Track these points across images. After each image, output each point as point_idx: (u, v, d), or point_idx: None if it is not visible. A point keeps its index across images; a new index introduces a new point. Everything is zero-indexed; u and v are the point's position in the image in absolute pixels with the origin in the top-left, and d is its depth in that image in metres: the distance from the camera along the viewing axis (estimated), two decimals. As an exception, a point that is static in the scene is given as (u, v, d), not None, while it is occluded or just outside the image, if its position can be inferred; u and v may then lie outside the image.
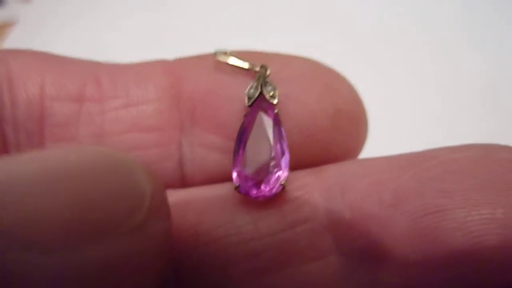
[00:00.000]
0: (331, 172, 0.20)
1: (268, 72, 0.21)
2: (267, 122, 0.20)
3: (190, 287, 0.19)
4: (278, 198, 0.20)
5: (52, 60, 0.21)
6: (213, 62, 0.22)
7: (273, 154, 0.20)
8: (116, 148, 0.19)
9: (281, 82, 0.21)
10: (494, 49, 0.48)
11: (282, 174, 0.20)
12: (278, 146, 0.20)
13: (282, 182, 0.19)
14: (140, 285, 0.14)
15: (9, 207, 0.12)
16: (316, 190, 0.20)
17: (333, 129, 0.21)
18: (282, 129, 0.20)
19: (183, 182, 0.21)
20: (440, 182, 0.18)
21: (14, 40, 0.54)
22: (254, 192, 0.19)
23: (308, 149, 0.21)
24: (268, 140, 0.20)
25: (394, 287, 0.18)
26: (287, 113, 0.20)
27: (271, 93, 0.20)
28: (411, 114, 0.43)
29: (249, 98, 0.20)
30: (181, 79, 0.21)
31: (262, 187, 0.19)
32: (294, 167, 0.21)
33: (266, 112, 0.20)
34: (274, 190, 0.19)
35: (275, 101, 0.20)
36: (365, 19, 0.53)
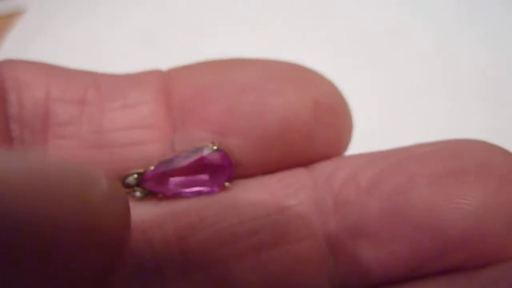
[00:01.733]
0: (318, 166, 0.23)
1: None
2: None
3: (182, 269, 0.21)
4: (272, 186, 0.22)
5: (57, 68, 0.23)
6: (199, 69, 0.24)
7: None
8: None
9: (260, 81, 0.22)
10: (500, 43, 0.48)
11: None
12: None
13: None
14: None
15: None
16: (306, 179, 0.22)
17: (313, 121, 0.22)
18: None
19: None
20: (410, 170, 0.20)
21: (22, 30, 0.55)
22: None
23: (290, 142, 0.22)
24: None
25: (371, 262, 0.20)
26: (266, 106, 0.22)
27: None
28: (414, 109, 0.44)
29: None
30: (172, 84, 0.23)
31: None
32: (279, 160, 0.23)
33: None
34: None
35: None
36: (366, 13, 0.52)
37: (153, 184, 0.22)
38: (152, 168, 0.22)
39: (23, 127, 0.22)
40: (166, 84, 0.23)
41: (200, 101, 0.23)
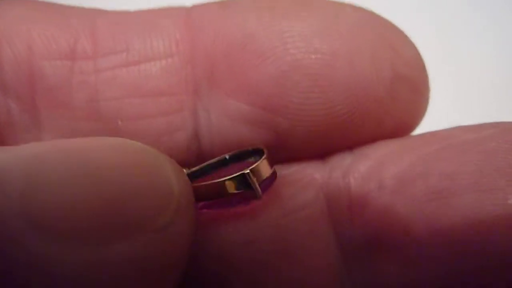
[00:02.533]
0: (334, 156, 0.18)
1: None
2: None
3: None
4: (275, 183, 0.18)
5: (42, 11, 0.18)
6: (240, 10, 0.17)
7: None
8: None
9: (327, 37, 0.17)
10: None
11: None
12: None
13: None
14: (161, 284, 0.14)
15: (40, 196, 0.12)
16: (318, 172, 0.18)
17: (390, 99, 0.17)
18: None
19: (200, 157, 0.18)
20: (447, 165, 0.16)
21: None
22: None
23: (357, 123, 0.17)
24: None
25: (394, 279, 0.16)
26: (332, 76, 0.16)
27: None
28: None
29: None
30: (197, 30, 0.17)
31: None
32: (337, 146, 0.18)
33: None
34: None
35: None
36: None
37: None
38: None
39: (6, 93, 0.17)
40: (188, 30, 0.17)
41: (239, 57, 0.17)
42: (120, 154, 0.14)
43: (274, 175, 0.17)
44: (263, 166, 0.17)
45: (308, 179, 0.18)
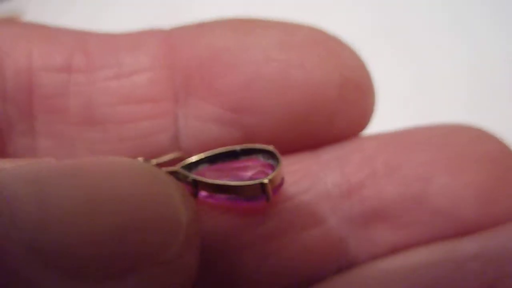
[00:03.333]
0: (327, 150, 0.21)
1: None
2: None
3: None
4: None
5: (39, 30, 0.20)
6: (208, 30, 0.20)
7: None
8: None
9: (283, 49, 0.20)
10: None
11: None
12: None
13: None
14: None
15: (52, 230, 0.12)
16: (315, 164, 0.20)
17: (340, 99, 0.20)
18: None
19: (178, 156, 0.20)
20: (425, 154, 0.20)
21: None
22: None
23: (312, 121, 0.20)
24: None
25: (387, 246, 0.20)
26: (289, 81, 0.19)
27: None
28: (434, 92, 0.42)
29: None
30: (176, 47, 0.20)
31: None
32: (297, 140, 0.20)
33: None
34: None
35: None
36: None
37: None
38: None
39: (6, 101, 0.19)
40: (168, 47, 0.20)
41: (212, 68, 0.20)
42: (131, 182, 0.14)
43: (283, 180, 0.19)
44: (278, 175, 0.19)
45: (307, 169, 0.20)
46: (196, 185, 0.19)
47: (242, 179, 0.19)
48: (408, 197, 0.19)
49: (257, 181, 0.18)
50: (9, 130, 0.19)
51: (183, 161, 0.19)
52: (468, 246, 0.18)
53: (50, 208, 0.12)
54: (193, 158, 0.19)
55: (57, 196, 0.13)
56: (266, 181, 0.18)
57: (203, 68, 0.20)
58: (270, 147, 0.19)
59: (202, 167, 0.19)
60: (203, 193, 0.19)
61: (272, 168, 0.19)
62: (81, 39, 0.20)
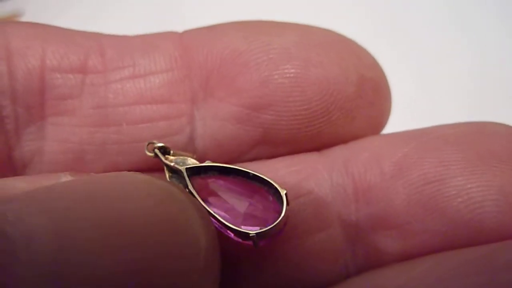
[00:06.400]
0: (333, 149, 0.20)
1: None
2: None
3: None
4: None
5: (54, 31, 0.20)
6: (224, 32, 0.20)
7: None
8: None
9: (301, 50, 0.19)
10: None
11: None
12: None
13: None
14: None
15: (68, 262, 0.11)
16: (320, 163, 0.20)
17: (358, 97, 0.20)
18: None
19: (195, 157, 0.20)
20: (439, 153, 0.18)
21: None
22: None
23: (331, 118, 0.20)
24: None
25: (394, 255, 0.19)
26: (308, 78, 0.19)
27: None
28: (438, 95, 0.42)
29: None
30: (192, 49, 0.20)
31: None
32: (315, 139, 0.20)
33: None
34: None
35: None
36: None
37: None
38: None
39: (16, 102, 0.19)
40: (184, 49, 0.20)
41: (229, 69, 0.20)
42: (149, 206, 0.13)
43: (284, 227, 0.18)
44: (273, 229, 0.17)
45: (311, 168, 0.20)
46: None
47: (237, 213, 0.18)
48: (419, 202, 0.18)
49: (244, 230, 0.17)
50: (17, 133, 0.19)
51: (191, 163, 0.19)
52: (499, 255, 0.16)
53: (67, 239, 0.12)
54: (205, 163, 0.19)
55: (74, 225, 0.12)
56: (252, 234, 0.17)
57: (221, 67, 0.20)
58: (283, 191, 0.18)
59: (210, 174, 0.19)
60: None
61: (276, 211, 0.18)
62: (96, 40, 0.20)
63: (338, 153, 0.20)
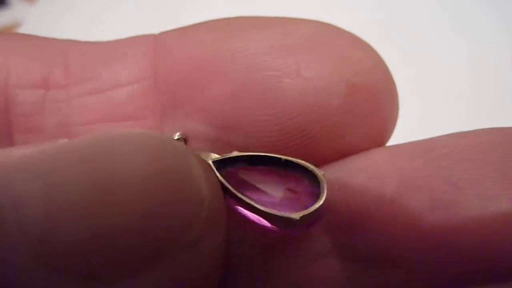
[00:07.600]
0: (328, 167, 0.17)
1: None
2: None
3: None
4: None
5: (18, 44, 0.19)
6: (195, 35, 0.18)
7: None
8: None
9: (276, 57, 0.17)
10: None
11: None
12: None
13: None
14: None
15: (60, 230, 0.11)
16: None
17: (345, 111, 0.16)
18: None
19: None
20: (450, 173, 0.15)
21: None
22: None
23: (312, 137, 0.17)
24: None
25: (398, 283, 0.16)
26: (282, 92, 0.16)
27: None
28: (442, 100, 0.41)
29: None
30: (160, 57, 0.18)
31: None
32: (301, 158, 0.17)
33: None
34: None
35: None
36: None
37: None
38: None
39: None
40: (154, 56, 0.18)
41: (197, 80, 0.17)
42: (148, 157, 0.12)
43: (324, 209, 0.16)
44: (316, 211, 0.16)
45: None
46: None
47: (274, 200, 0.16)
48: (424, 235, 0.15)
49: (288, 216, 0.16)
50: None
51: (217, 155, 0.17)
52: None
53: (57, 204, 0.11)
54: (232, 154, 0.17)
55: (65, 189, 0.11)
56: (297, 218, 0.16)
57: (187, 79, 0.17)
58: (321, 171, 0.16)
59: (239, 165, 0.17)
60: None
61: (314, 195, 0.16)
62: (62, 51, 0.18)
63: (333, 173, 0.17)
